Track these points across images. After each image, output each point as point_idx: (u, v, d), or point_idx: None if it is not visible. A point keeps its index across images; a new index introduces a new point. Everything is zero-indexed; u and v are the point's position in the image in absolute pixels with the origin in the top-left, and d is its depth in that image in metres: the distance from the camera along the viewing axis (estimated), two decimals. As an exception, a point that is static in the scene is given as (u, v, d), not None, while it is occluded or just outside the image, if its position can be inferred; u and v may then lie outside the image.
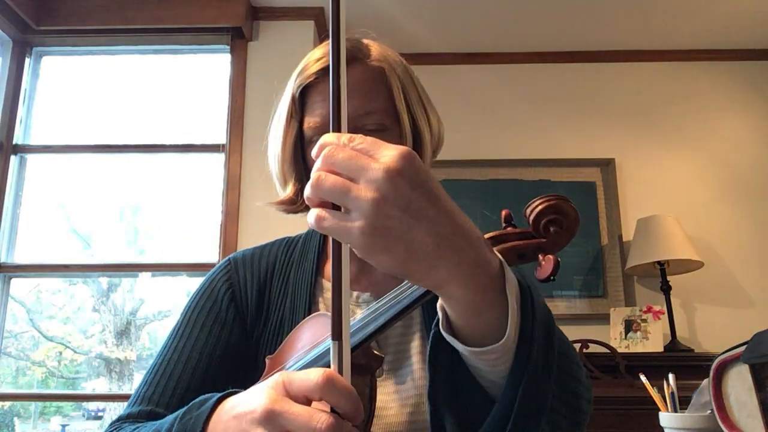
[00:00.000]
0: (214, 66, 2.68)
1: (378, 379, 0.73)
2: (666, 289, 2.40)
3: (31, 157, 2.55)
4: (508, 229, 0.59)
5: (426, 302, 0.56)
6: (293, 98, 0.77)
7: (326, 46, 0.77)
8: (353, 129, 0.73)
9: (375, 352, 0.62)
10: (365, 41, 0.80)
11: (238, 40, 2.55)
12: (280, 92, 0.82)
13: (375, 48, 0.79)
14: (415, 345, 0.77)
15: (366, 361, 0.60)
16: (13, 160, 2.47)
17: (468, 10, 2.60)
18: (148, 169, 2.70)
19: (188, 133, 2.58)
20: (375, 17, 2.61)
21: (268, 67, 2.52)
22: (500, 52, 2.89)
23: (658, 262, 2.40)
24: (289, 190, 0.79)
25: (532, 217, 0.57)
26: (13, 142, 2.47)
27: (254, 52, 2.56)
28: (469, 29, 2.74)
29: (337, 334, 0.43)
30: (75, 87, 2.74)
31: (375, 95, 0.75)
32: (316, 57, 0.77)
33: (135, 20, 2.49)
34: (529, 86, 2.88)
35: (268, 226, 2.28)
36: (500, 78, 2.90)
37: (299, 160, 0.79)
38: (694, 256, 2.36)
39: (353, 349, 0.58)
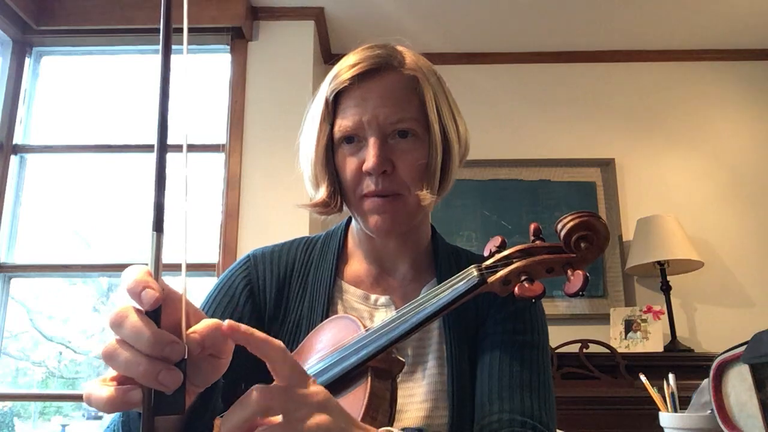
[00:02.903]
0: (214, 66, 2.68)
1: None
2: (666, 289, 2.40)
3: (31, 157, 2.55)
4: (537, 242, 0.60)
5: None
6: (326, 102, 0.78)
7: (361, 52, 0.78)
8: (384, 136, 0.75)
9: (397, 357, 0.62)
10: (399, 48, 0.80)
11: (238, 40, 2.55)
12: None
13: (409, 56, 0.79)
14: (433, 350, 0.78)
15: (388, 366, 0.61)
16: (13, 160, 2.47)
17: (468, 10, 2.60)
18: (148, 169, 2.70)
19: (188, 133, 2.58)
20: (375, 17, 2.61)
21: (268, 67, 2.51)
22: (500, 52, 2.89)
23: (658, 262, 2.40)
24: (323, 193, 0.79)
25: (563, 233, 0.57)
26: (13, 142, 2.47)
27: (254, 52, 2.55)
28: (469, 29, 2.74)
29: (158, 226, 0.45)
30: (75, 87, 2.73)
31: (407, 103, 0.75)
32: (350, 63, 0.77)
33: (135, 20, 2.49)
34: (529, 86, 2.88)
35: (267, 226, 2.28)
36: (500, 78, 2.89)
37: (331, 163, 0.79)
38: (694, 256, 2.36)
39: (375, 354, 0.59)
